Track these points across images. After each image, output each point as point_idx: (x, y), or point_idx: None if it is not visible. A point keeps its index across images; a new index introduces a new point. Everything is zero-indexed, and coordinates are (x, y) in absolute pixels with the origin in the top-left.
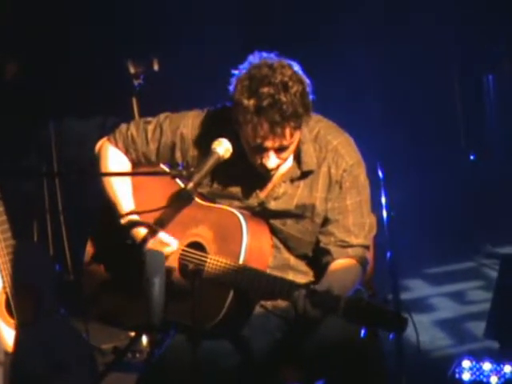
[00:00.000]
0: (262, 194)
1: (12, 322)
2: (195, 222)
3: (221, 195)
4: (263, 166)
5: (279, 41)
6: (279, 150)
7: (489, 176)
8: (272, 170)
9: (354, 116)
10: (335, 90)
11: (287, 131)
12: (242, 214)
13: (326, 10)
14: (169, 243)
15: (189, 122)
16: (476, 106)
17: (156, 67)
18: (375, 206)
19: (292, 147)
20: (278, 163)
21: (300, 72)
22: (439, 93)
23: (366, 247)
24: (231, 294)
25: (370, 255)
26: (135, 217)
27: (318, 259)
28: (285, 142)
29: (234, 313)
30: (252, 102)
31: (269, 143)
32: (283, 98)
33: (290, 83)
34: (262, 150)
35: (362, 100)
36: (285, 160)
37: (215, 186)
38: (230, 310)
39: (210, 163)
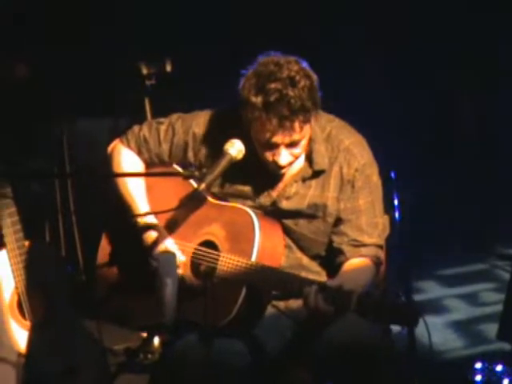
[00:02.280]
0: (274, 194)
1: (24, 322)
2: (208, 221)
3: (233, 195)
4: (275, 164)
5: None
6: (290, 146)
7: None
8: (284, 167)
9: (366, 119)
10: (347, 92)
11: (296, 125)
12: (254, 212)
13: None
14: (177, 254)
15: (201, 122)
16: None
17: (169, 68)
18: (387, 208)
19: (303, 143)
20: (289, 160)
21: (307, 68)
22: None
23: (380, 246)
24: (244, 292)
25: (382, 255)
26: (149, 218)
27: (331, 259)
28: (295, 137)
29: (247, 311)
30: (260, 98)
31: (279, 138)
32: (291, 93)
33: (297, 78)
34: (273, 147)
35: (375, 104)
36: (296, 157)
37: (227, 185)
38: (243, 308)
39: (222, 164)
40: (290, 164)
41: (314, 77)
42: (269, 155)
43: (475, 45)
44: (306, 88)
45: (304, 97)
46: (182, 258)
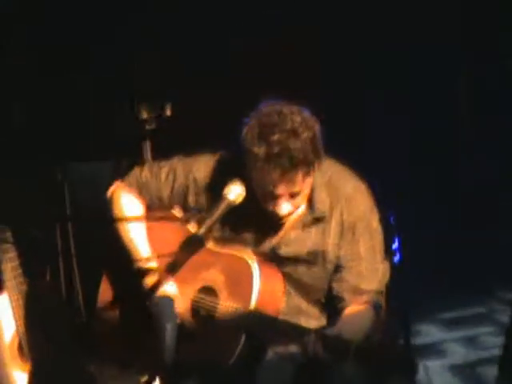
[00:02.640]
0: (274, 240)
1: (25, 366)
2: (206, 266)
3: (233, 239)
4: (275, 213)
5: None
6: (291, 196)
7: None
8: (284, 217)
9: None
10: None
11: (298, 177)
12: (253, 259)
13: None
14: (176, 299)
15: (201, 166)
16: None
17: (168, 112)
18: (386, 254)
19: (304, 193)
20: (290, 210)
21: (310, 117)
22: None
23: (380, 292)
24: (243, 338)
25: (383, 301)
26: (149, 262)
27: (331, 305)
28: (296, 189)
29: (247, 356)
30: (262, 149)
31: (280, 190)
32: (293, 145)
33: (300, 129)
34: (274, 197)
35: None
36: (297, 207)
37: (227, 229)
38: (243, 353)
39: (221, 209)
40: (290, 214)
41: (316, 126)
42: (269, 205)
43: None
44: (308, 139)
45: (307, 149)
46: (181, 304)
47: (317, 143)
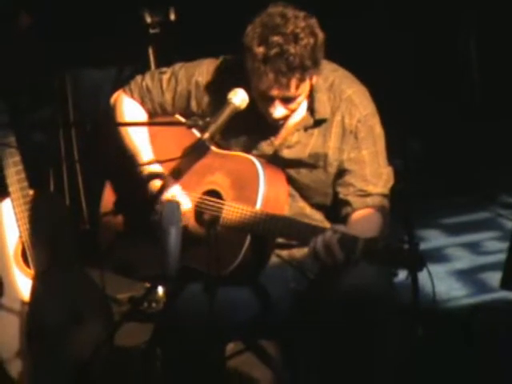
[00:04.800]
0: (276, 142)
1: (28, 271)
2: (211, 170)
3: (236, 144)
4: (269, 116)
5: None
6: (285, 100)
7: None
8: (278, 119)
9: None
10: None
11: (292, 82)
12: (258, 160)
13: None
14: (182, 202)
15: (204, 70)
16: None
17: (172, 17)
18: (390, 158)
19: (300, 99)
20: (284, 114)
21: (315, 25)
22: None
23: (385, 196)
24: (248, 240)
25: (388, 205)
26: (154, 166)
27: (336, 211)
28: (289, 94)
29: (251, 259)
30: (261, 49)
31: (273, 92)
32: (291, 49)
33: (302, 35)
34: (268, 99)
35: None
36: (292, 111)
37: (230, 134)
38: (247, 256)
39: (225, 114)
40: (286, 117)
41: (320, 35)
42: (264, 106)
43: None
44: (308, 46)
45: (305, 55)
46: (188, 205)
47: (316, 51)
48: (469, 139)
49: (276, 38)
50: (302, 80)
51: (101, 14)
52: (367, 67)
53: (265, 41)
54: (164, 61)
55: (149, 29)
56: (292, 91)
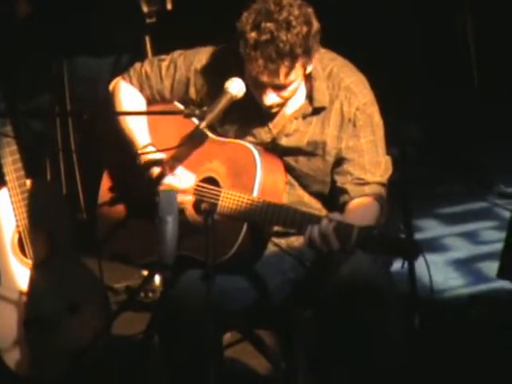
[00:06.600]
0: (274, 130)
1: (25, 260)
2: (209, 157)
3: (234, 132)
4: (262, 103)
5: None
6: (277, 88)
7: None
8: (270, 106)
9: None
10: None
11: (281, 70)
12: (256, 148)
13: None
14: (186, 178)
15: (203, 58)
16: None
17: (169, 6)
18: (388, 148)
19: (292, 87)
20: (277, 101)
21: (310, 14)
22: None
23: (383, 185)
24: (245, 227)
25: (385, 194)
26: (154, 154)
27: (334, 200)
28: (279, 81)
29: (248, 248)
30: (253, 35)
31: (263, 78)
32: (283, 37)
33: (294, 23)
34: (260, 86)
35: None
36: (286, 99)
37: (228, 123)
38: (244, 244)
39: (222, 103)
40: (280, 105)
41: (315, 25)
42: (256, 93)
43: None
44: (300, 34)
45: (296, 43)
46: (191, 181)
47: (309, 41)
48: (467, 126)
49: (268, 25)
50: (291, 68)
51: (98, 2)
52: (366, 54)
53: (257, 26)
54: (161, 50)
55: (145, 18)
56: (281, 78)
